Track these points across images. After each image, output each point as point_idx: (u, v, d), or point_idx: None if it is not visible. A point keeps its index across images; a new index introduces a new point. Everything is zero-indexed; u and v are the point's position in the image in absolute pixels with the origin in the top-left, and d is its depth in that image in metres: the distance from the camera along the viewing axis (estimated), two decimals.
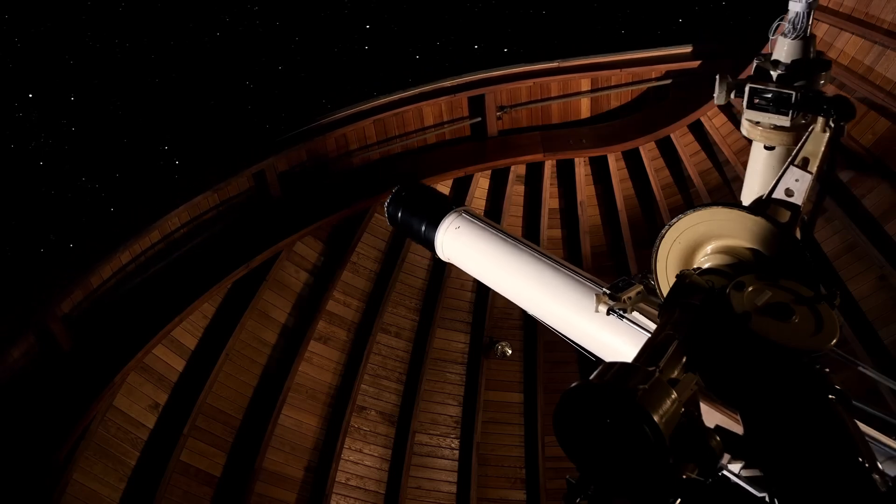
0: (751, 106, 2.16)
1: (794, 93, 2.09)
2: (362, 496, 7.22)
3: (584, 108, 7.68)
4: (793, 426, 1.40)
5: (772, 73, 2.22)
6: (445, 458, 7.54)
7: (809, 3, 2.17)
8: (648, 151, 7.63)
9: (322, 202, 7.10)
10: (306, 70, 18.06)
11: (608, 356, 2.14)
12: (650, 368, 1.39)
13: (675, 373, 1.47)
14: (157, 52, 17.52)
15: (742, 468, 1.43)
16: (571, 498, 1.35)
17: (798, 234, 1.98)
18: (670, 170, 7.79)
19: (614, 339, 2.10)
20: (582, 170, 7.75)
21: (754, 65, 2.26)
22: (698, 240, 1.96)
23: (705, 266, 1.93)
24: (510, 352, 7.72)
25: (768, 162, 2.29)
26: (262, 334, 7.04)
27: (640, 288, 2.07)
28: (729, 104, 7.25)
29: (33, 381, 5.69)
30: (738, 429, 1.48)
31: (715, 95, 2.23)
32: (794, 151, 2.08)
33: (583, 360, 7.36)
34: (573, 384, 1.34)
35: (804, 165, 2.03)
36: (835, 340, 1.53)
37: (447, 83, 7.11)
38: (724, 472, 1.43)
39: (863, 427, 1.56)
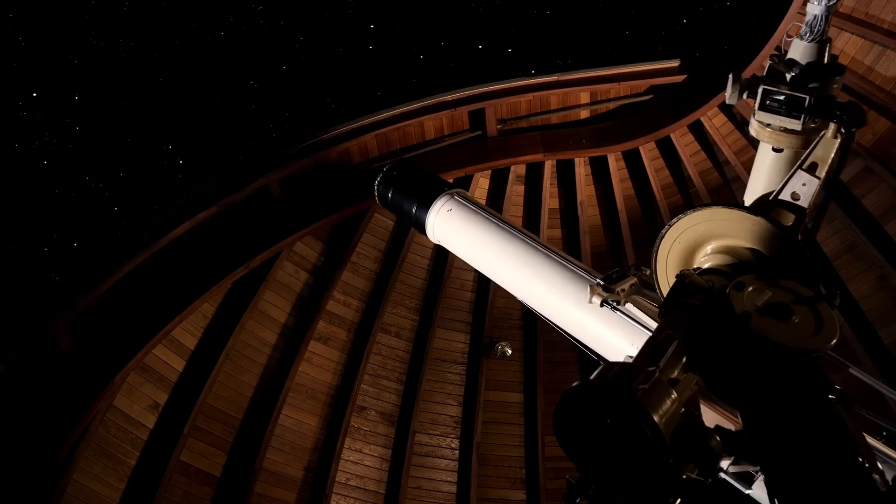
0: (763, 107, 2.13)
1: (807, 97, 2.06)
2: (362, 496, 7.22)
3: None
4: (793, 426, 1.40)
5: (786, 74, 2.18)
6: (445, 458, 7.54)
7: (828, 7, 2.13)
8: (648, 151, 7.64)
9: (322, 202, 7.10)
10: (310, 70, 18.04)
11: (600, 347, 2.15)
12: (650, 368, 1.39)
13: (675, 373, 1.48)
14: (162, 51, 17.51)
15: (730, 464, 1.43)
16: (571, 498, 1.35)
17: (801, 238, 1.98)
18: (670, 170, 7.80)
19: (606, 330, 2.10)
20: (582, 170, 7.76)
21: (767, 65, 2.23)
22: (698, 240, 1.95)
23: (705, 266, 1.93)
24: (510, 352, 7.72)
25: (775, 164, 2.27)
26: (262, 334, 7.04)
27: (633, 280, 2.07)
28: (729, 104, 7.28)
29: (33, 381, 5.69)
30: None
31: (727, 95, 2.19)
32: (804, 156, 2.06)
33: (583, 360, 7.37)
34: (573, 384, 1.34)
35: (812, 170, 2.02)
36: (835, 340, 1.53)
37: (448, 97, 7.22)
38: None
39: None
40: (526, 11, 18.26)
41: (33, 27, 16.44)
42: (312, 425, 7.19)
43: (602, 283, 2.03)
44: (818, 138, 2.08)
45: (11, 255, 15.25)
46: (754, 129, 2.25)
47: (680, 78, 7.35)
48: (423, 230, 2.70)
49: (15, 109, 16.18)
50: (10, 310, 5.70)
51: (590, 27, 18.16)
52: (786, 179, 2.03)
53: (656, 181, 7.71)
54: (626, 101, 7.59)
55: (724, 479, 1.49)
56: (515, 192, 7.88)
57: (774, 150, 2.24)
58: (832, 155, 2.05)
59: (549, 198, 7.85)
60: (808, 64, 2.19)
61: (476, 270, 2.70)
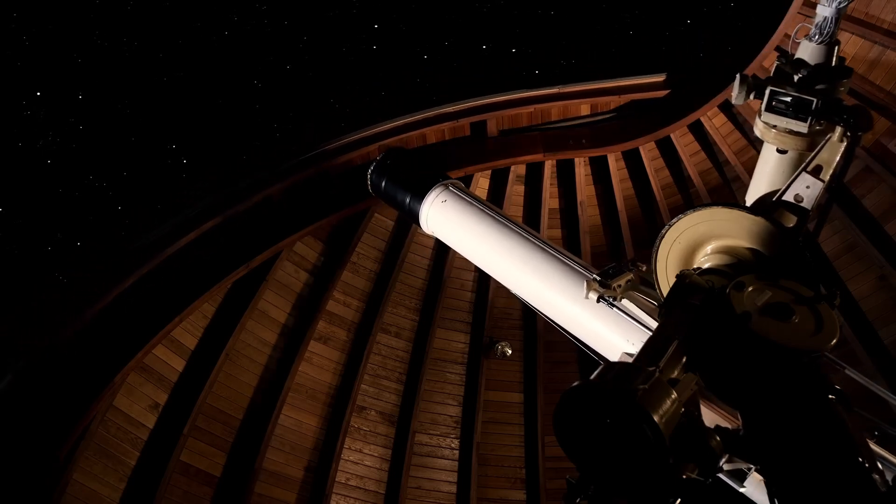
0: (769, 109, 2.11)
1: (815, 99, 2.04)
2: (362, 496, 7.22)
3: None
4: (793, 426, 1.40)
5: (793, 76, 2.16)
6: (445, 458, 7.54)
7: (839, 9, 2.12)
8: (648, 151, 7.64)
9: (322, 202, 7.10)
10: (314, 69, 18.04)
11: (596, 343, 2.14)
12: (650, 368, 1.39)
13: (675, 373, 1.48)
14: (165, 50, 17.51)
15: (724, 461, 1.43)
16: (571, 498, 1.35)
17: (802, 239, 1.97)
18: (670, 170, 7.80)
19: (602, 326, 2.10)
20: (582, 170, 7.76)
21: (775, 65, 2.22)
22: (698, 240, 1.95)
23: (705, 266, 1.93)
24: (510, 352, 7.72)
25: (778, 165, 2.26)
26: (262, 334, 7.04)
27: (630, 276, 2.07)
28: (728, 104, 7.29)
29: (33, 381, 5.69)
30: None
31: (733, 95, 2.17)
32: (809, 158, 2.06)
33: (583, 359, 7.37)
34: (573, 384, 1.34)
35: (816, 173, 2.01)
36: (835, 340, 1.53)
37: (450, 108, 7.32)
38: None
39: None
40: (530, 12, 18.27)
41: (37, 26, 16.45)
42: (312, 425, 7.19)
43: (598, 278, 2.03)
44: (824, 141, 2.07)
45: (15, 255, 15.25)
46: (759, 130, 2.23)
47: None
48: (416, 221, 2.66)
49: (19, 108, 16.20)
50: (10, 310, 5.70)
51: (593, 28, 18.17)
52: (790, 181, 2.02)
53: (656, 181, 7.71)
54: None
55: (719, 477, 1.49)
56: (515, 192, 7.88)
57: (779, 151, 2.23)
58: (837, 158, 2.04)
59: (549, 198, 7.85)
60: (816, 65, 2.17)
61: (476, 270, 2.70)
